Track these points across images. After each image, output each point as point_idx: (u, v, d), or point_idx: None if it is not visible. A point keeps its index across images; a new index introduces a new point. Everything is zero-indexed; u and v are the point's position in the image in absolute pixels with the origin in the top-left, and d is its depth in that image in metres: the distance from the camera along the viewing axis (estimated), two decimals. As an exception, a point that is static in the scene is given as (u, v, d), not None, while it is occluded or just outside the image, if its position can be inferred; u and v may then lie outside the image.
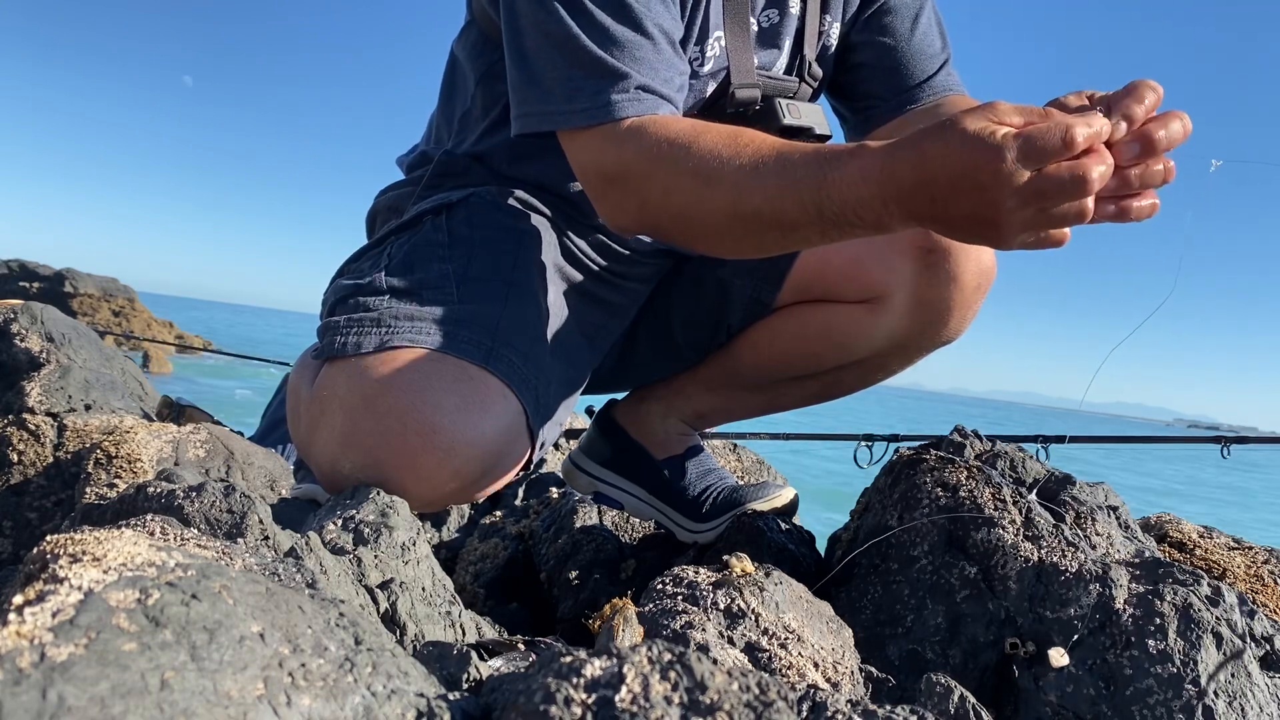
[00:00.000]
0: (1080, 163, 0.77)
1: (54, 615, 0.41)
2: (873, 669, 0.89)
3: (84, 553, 0.47)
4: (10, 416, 1.45)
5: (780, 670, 0.77)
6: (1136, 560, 1.06)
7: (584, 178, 1.08)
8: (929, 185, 0.82)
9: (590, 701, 0.43)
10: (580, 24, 1.02)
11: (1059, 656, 0.93)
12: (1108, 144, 0.79)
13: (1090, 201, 0.79)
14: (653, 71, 1.04)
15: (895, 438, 2.17)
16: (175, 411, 1.99)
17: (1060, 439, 2.06)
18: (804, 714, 0.47)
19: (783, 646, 0.79)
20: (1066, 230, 0.82)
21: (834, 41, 1.36)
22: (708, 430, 1.68)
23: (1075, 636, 0.95)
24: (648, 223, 1.05)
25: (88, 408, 1.51)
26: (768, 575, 0.87)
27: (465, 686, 0.62)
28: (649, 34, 1.04)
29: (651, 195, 1.01)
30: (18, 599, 0.42)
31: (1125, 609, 0.95)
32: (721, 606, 0.82)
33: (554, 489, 1.93)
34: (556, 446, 2.37)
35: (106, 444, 1.33)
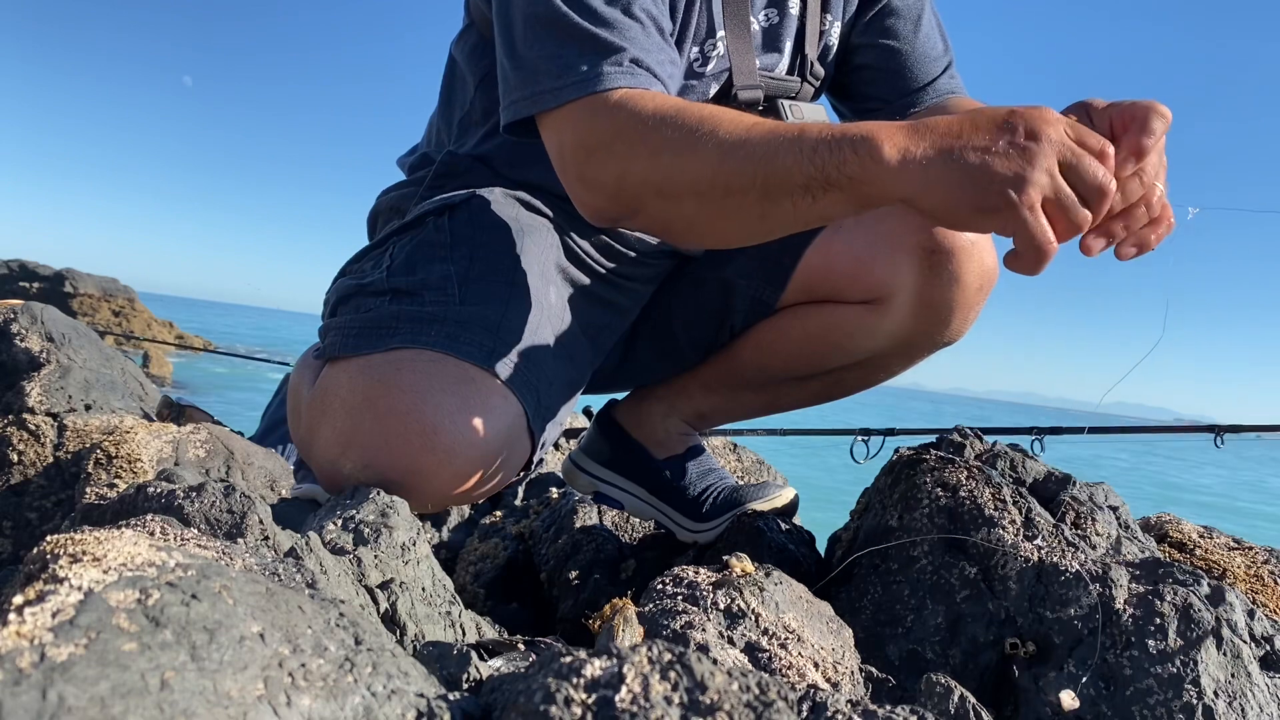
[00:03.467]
0: (1111, 176, 0.80)
1: (54, 615, 0.41)
2: (873, 669, 0.89)
3: (84, 553, 0.47)
4: (10, 416, 1.45)
5: (780, 670, 0.77)
6: (1136, 560, 1.06)
7: (561, 156, 1.04)
8: (960, 124, 0.83)
9: (590, 701, 0.43)
10: (570, 7, 1.01)
11: (1070, 699, 0.92)
12: None
13: (1089, 217, 0.81)
14: (644, 50, 1.02)
15: (891, 431, 2.17)
16: (175, 411, 1.99)
17: (1055, 430, 2.06)
18: (804, 714, 0.47)
19: (783, 646, 0.79)
20: (1052, 247, 0.81)
21: (835, 41, 1.36)
22: (707, 429, 1.68)
23: (1075, 636, 0.95)
24: (625, 195, 1.01)
25: (88, 408, 1.51)
26: (768, 575, 0.87)
27: (465, 686, 0.62)
28: (638, 18, 1.04)
29: (637, 159, 0.98)
30: (18, 599, 0.42)
31: (1125, 609, 0.95)
32: (721, 606, 0.82)
33: (554, 489, 1.93)
34: (556, 446, 2.37)
35: (106, 444, 1.33)
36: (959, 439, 1.29)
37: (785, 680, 0.71)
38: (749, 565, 0.88)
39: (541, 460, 1.16)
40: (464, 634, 0.81)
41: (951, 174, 0.82)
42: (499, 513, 1.87)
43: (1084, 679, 0.93)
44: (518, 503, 1.94)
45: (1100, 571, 0.99)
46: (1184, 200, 0.89)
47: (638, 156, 0.98)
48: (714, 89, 1.24)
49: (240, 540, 0.72)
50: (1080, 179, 0.79)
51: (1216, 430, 2.06)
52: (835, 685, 0.80)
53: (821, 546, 1.39)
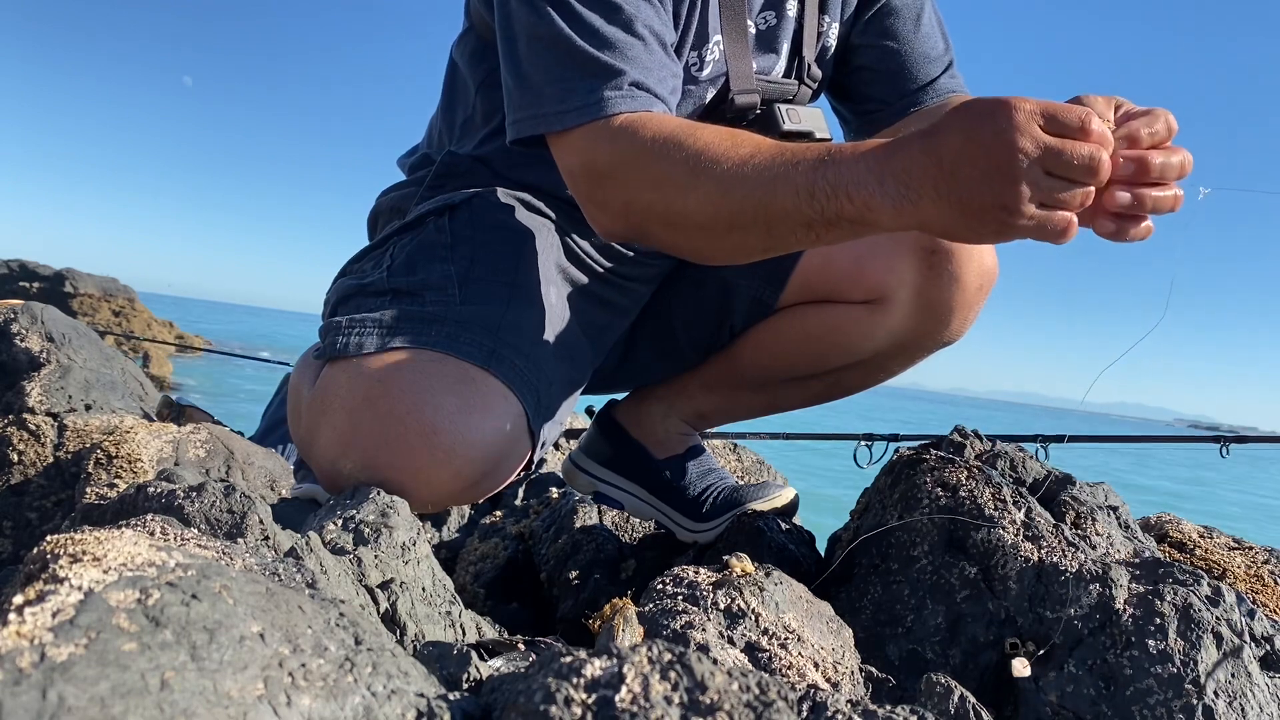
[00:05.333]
0: (1098, 148, 0.78)
1: (54, 615, 0.41)
2: (873, 669, 0.89)
3: (84, 553, 0.47)
4: (10, 416, 1.45)
5: (780, 670, 0.77)
6: (1136, 560, 1.06)
7: (571, 178, 1.06)
8: (937, 150, 0.82)
9: (590, 701, 0.43)
10: (572, 26, 1.02)
11: (1021, 668, 0.93)
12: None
13: (1093, 191, 0.79)
14: (645, 71, 1.03)
15: (895, 437, 2.17)
16: (175, 411, 1.99)
17: (1060, 438, 2.06)
18: (804, 714, 0.47)
19: (783, 646, 0.79)
20: (1072, 221, 0.81)
21: (833, 42, 1.35)
22: (707, 430, 1.68)
23: (1075, 636, 0.95)
24: (633, 221, 1.04)
25: (88, 408, 1.51)
26: (768, 575, 0.87)
27: (465, 686, 0.62)
28: (640, 35, 1.04)
29: (641, 189, 1.00)
30: (18, 599, 0.42)
31: (1125, 609, 0.95)
32: (721, 606, 0.82)
33: (554, 489, 1.93)
34: (557, 446, 2.37)
35: (106, 444, 1.33)
36: (959, 439, 1.29)
37: (785, 680, 0.71)
38: (749, 565, 0.88)
39: (542, 460, 1.16)
40: (464, 634, 0.81)
41: (944, 210, 0.84)
42: (499, 513, 1.87)
43: (1082, 676, 0.93)
44: (518, 503, 1.93)
45: (1100, 571, 0.99)
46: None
47: (641, 188, 1.00)
48: (710, 94, 1.24)
49: (240, 540, 0.72)
50: (1066, 167, 0.78)
51: (1222, 440, 2.05)
52: (835, 685, 0.80)
53: (821, 546, 1.39)
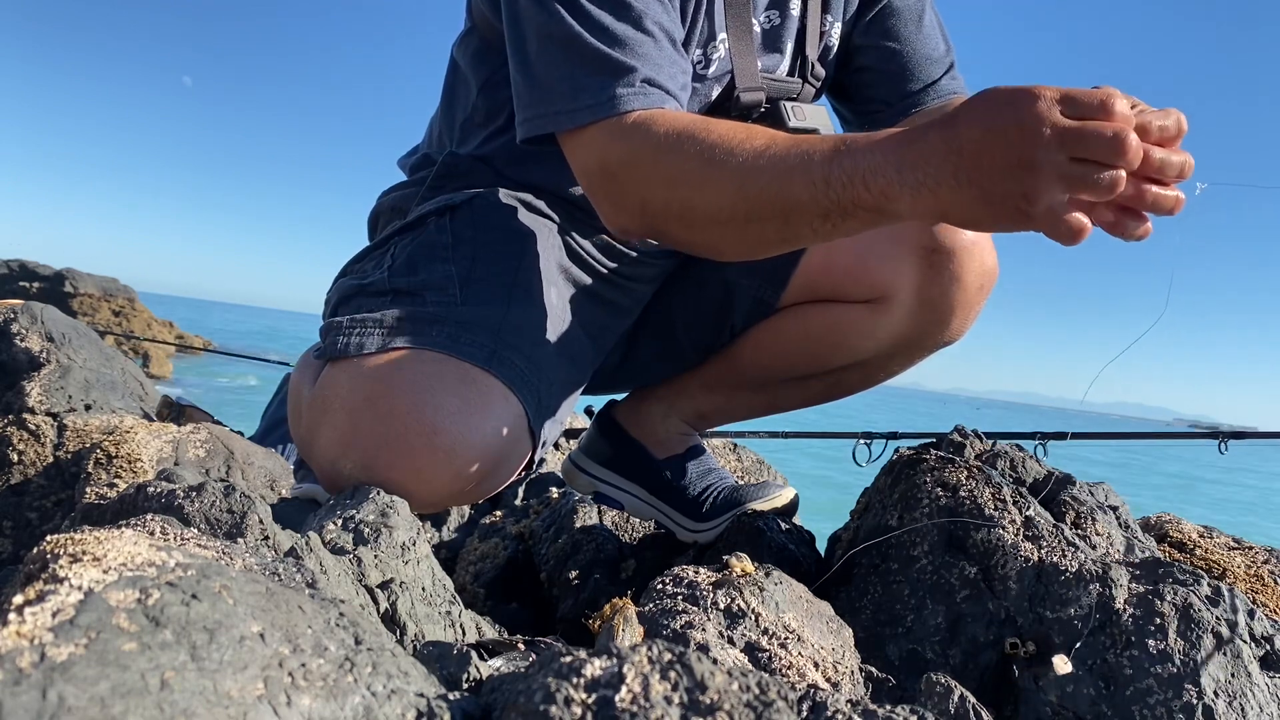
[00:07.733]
0: (1122, 125, 0.76)
1: (54, 615, 0.41)
2: (873, 669, 0.89)
3: (84, 552, 0.47)
4: (10, 416, 1.45)
5: (780, 670, 0.77)
6: (1136, 560, 1.06)
7: (585, 177, 1.06)
8: (957, 139, 0.81)
9: (590, 701, 0.43)
10: (582, 24, 1.02)
11: (1063, 664, 0.92)
12: None
13: (1124, 175, 0.76)
14: (656, 67, 1.03)
15: (894, 435, 2.17)
16: (175, 411, 1.99)
17: (1059, 435, 2.06)
18: (804, 714, 0.47)
19: (783, 646, 0.79)
20: (1086, 223, 0.79)
21: (835, 42, 1.36)
22: (707, 430, 1.68)
23: (1075, 636, 0.95)
24: (649, 219, 1.04)
25: (88, 408, 1.51)
26: (768, 575, 0.87)
27: (465, 686, 0.62)
28: (650, 32, 1.04)
29: (656, 187, 1.00)
30: (18, 599, 0.42)
31: (1125, 609, 0.95)
32: (721, 606, 0.82)
33: (554, 489, 1.93)
34: (556, 446, 2.37)
35: (106, 444, 1.33)
36: (959, 439, 1.29)
37: (785, 680, 0.71)
38: (749, 565, 0.88)
39: (542, 460, 1.16)
40: (464, 634, 0.81)
41: (964, 198, 0.82)
42: (499, 513, 1.87)
43: (1082, 676, 0.93)
44: (518, 503, 1.94)
45: (1100, 571, 0.99)
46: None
47: (656, 184, 1.00)
48: (716, 91, 1.24)
49: (240, 540, 0.73)
50: (1092, 149, 0.76)
51: (1221, 436, 2.05)
52: (835, 685, 0.80)
53: (821, 546, 1.39)
